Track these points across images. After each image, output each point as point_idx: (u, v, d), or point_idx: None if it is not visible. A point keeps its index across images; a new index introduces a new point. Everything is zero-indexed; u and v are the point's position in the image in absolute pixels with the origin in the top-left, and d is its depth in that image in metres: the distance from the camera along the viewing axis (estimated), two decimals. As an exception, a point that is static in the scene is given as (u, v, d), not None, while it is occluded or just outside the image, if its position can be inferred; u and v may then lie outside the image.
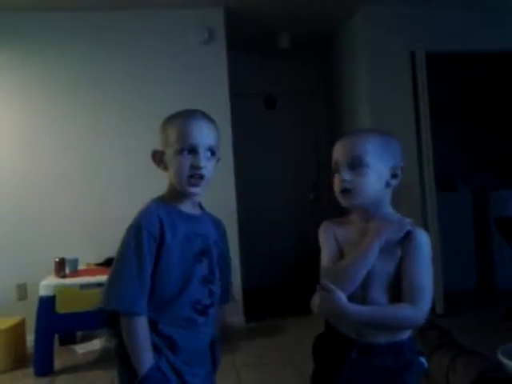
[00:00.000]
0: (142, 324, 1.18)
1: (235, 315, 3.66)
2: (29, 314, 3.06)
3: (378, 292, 1.15)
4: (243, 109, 4.46)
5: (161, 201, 1.30)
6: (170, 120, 1.31)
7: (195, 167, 1.24)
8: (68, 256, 3.16)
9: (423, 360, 1.23)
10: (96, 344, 3.32)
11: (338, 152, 1.23)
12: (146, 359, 1.16)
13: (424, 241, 1.17)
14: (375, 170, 1.20)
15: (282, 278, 4.70)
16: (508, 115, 4.96)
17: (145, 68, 3.72)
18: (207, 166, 1.26)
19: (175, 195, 1.29)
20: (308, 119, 5.06)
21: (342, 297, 1.12)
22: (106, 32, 3.71)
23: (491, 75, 4.88)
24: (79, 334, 3.47)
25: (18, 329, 3.15)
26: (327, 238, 1.26)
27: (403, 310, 1.12)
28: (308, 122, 5.06)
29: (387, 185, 1.23)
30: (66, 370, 2.96)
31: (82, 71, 3.68)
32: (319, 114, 5.06)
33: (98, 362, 3.06)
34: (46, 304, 2.89)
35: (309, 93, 5.08)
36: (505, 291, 4.06)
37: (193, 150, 1.25)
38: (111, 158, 3.65)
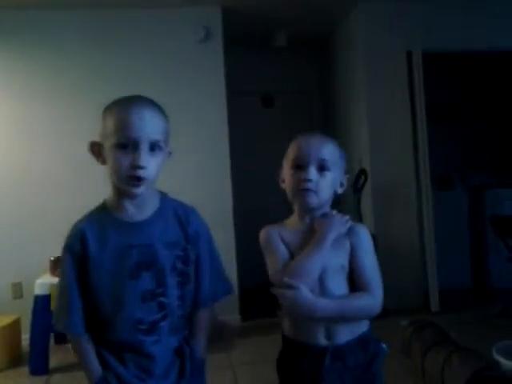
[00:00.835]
0: (78, 341, 1.15)
1: (231, 313, 3.66)
2: (24, 312, 3.06)
3: (335, 284, 1.19)
4: (240, 107, 4.45)
5: (100, 207, 1.21)
6: (108, 107, 1.16)
7: (134, 167, 1.07)
8: (64, 254, 3.15)
9: (384, 346, 1.27)
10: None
11: (305, 150, 1.23)
12: (91, 372, 1.14)
13: (366, 233, 1.25)
14: (333, 175, 1.24)
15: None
16: (504, 114, 4.98)
17: (142, 67, 3.71)
18: (149, 164, 1.09)
19: (116, 193, 1.17)
20: (305, 118, 5.07)
21: (307, 291, 1.14)
22: (102, 31, 3.70)
23: (487, 74, 4.89)
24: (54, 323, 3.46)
25: (14, 328, 3.15)
26: (275, 242, 1.24)
27: (364, 299, 1.18)
28: (305, 121, 5.06)
29: (335, 191, 1.27)
30: (62, 369, 2.96)
31: (80, 69, 3.66)
32: (316, 113, 5.06)
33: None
34: (42, 303, 2.89)
35: (306, 91, 5.08)
36: (499, 289, 4.07)
37: (132, 146, 1.08)
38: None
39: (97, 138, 1.17)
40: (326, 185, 1.22)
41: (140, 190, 1.11)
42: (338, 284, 1.20)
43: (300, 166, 1.22)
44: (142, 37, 3.73)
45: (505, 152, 4.98)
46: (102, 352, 1.15)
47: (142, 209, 1.17)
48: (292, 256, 1.21)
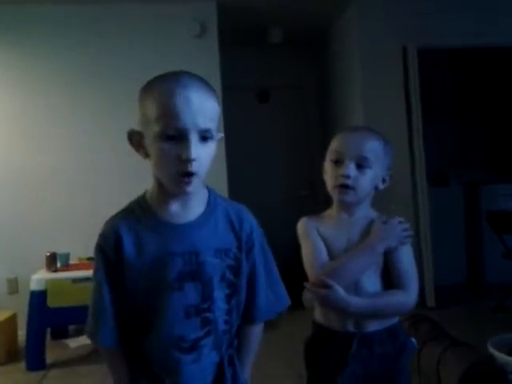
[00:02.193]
0: (108, 354, 1.03)
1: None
2: (20, 308, 3.05)
3: (370, 280, 1.20)
4: (236, 103, 4.44)
5: (137, 204, 1.02)
6: (147, 87, 0.96)
7: (184, 161, 0.90)
8: (59, 250, 3.15)
9: (413, 340, 1.28)
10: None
11: (345, 145, 1.22)
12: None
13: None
14: (374, 172, 1.23)
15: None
16: (499, 110, 5.00)
17: (136, 62, 3.69)
18: (201, 156, 0.92)
19: (159, 189, 0.99)
20: (300, 113, 5.06)
21: (342, 291, 1.15)
22: (95, 26, 3.69)
23: (482, 71, 4.90)
24: (71, 327, 3.47)
25: (10, 323, 3.14)
26: (311, 233, 1.25)
27: (397, 297, 1.19)
28: (300, 116, 5.06)
29: (376, 188, 1.27)
30: (58, 365, 2.96)
31: (76, 65, 3.65)
32: (311, 109, 5.06)
33: (90, 356, 3.05)
34: (38, 298, 2.88)
35: (301, 87, 5.08)
36: (494, 285, 4.10)
37: (179, 136, 0.91)
38: (103, 153, 3.62)
39: (130, 126, 1.00)
40: (365, 182, 1.22)
41: (191, 189, 0.94)
42: (373, 281, 1.21)
43: (339, 161, 1.22)
44: (138, 32, 3.72)
45: (500, 148, 5.00)
46: (134, 369, 1.02)
47: (188, 208, 0.99)
48: (328, 251, 1.22)
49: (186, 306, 0.96)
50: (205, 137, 0.93)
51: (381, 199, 4.17)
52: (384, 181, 1.28)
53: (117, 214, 1.02)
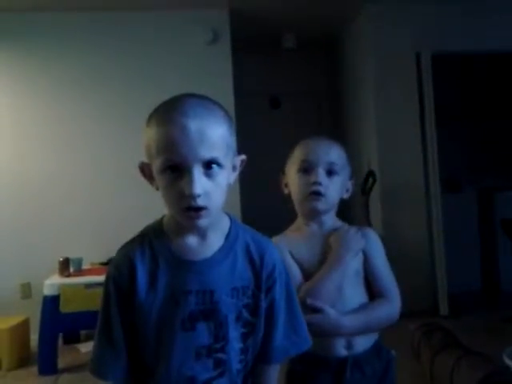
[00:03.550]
0: None
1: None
2: (33, 313, 3.08)
3: (352, 290, 1.18)
4: (248, 109, 4.45)
5: (152, 231, 0.94)
6: (150, 116, 0.90)
7: (187, 196, 0.83)
8: (72, 255, 3.17)
9: (393, 352, 1.26)
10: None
11: (314, 153, 1.21)
12: None
13: (377, 239, 1.24)
14: (341, 179, 1.22)
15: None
16: (514, 116, 4.94)
17: (149, 69, 3.72)
18: (208, 189, 0.85)
19: (176, 222, 0.91)
20: (313, 119, 5.05)
21: (333, 312, 1.12)
22: (110, 33, 3.73)
23: (497, 76, 4.86)
24: (83, 333, 3.48)
25: (22, 328, 3.16)
26: (285, 261, 1.13)
27: (384, 309, 1.17)
28: (312, 123, 5.04)
29: (341, 196, 1.25)
30: (70, 369, 2.97)
31: (89, 71, 3.69)
32: (324, 115, 5.05)
33: (101, 361, 3.06)
34: (50, 303, 2.90)
35: (313, 93, 5.07)
36: (510, 293, 4.04)
37: (181, 169, 0.83)
38: (116, 158, 3.64)
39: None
40: (335, 189, 1.21)
41: (202, 222, 0.87)
42: (356, 289, 1.19)
43: (308, 170, 1.20)
44: (151, 39, 3.75)
45: (515, 154, 4.93)
46: None
47: (205, 242, 0.92)
48: (303, 272, 1.18)
49: (197, 347, 0.90)
50: (210, 166, 0.85)
51: (394, 205, 4.11)
52: (347, 190, 1.26)
53: (131, 242, 0.94)
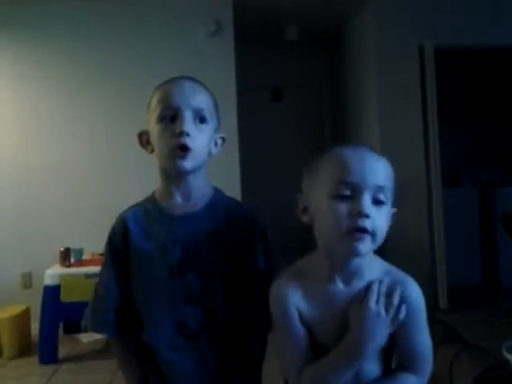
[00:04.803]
0: (113, 343, 1.10)
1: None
2: (33, 302, 3.08)
3: (371, 364, 0.91)
4: (250, 101, 4.44)
5: (149, 197, 1.10)
6: (154, 90, 1.07)
7: (177, 134, 0.97)
8: (73, 246, 3.17)
9: None
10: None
11: (357, 172, 0.86)
12: (127, 378, 1.09)
13: (417, 296, 0.92)
14: (388, 209, 0.90)
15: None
16: (516, 111, 4.93)
17: (151, 59, 3.70)
18: (195, 134, 0.99)
19: (164, 180, 1.06)
20: (314, 112, 5.05)
21: None
22: (110, 23, 3.70)
23: (499, 70, 4.84)
24: (83, 322, 3.49)
25: (23, 317, 3.18)
26: (290, 317, 0.90)
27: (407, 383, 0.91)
28: (314, 115, 5.04)
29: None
30: (70, 359, 2.99)
31: (89, 62, 3.67)
32: (326, 107, 5.04)
33: (102, 351, 3.08)
34: (51, 293, 2.91)
35: (316, 86, 5.06)
36: (509, 287, 4.05)
37: (174, 116, 0.99)
38: (117, 150, 3.64)
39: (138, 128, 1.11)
40: (383, 223, 0.88)
41: (187, 164, 0.99)
42: (374, 363, 0.91)
43: (346, 196, 0.85)
44: (152, 30, 3.72)
45: (517, 149, 4.93)
46: (143, 363, 1.06)
47: (190, 200, 1.04)
48: (312, 336, 0.91)
49: (186, 295, 1.00)
50: (198, 118, 1.01)
51: (395, 200, 4.09)
52: (389, 222, 0.91)
53: (126, 210, 1.10)
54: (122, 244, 1.04)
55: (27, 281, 3.53)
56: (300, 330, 0.91)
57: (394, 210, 0.94)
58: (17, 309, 3.17)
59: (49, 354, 2.92)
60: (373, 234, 0.85)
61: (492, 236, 4.40)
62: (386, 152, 3.44)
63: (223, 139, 1.11)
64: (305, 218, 0.93)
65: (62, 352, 3.01)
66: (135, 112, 3.61)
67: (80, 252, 3.20)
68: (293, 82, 4.93)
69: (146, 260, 1.02)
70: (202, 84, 1.07)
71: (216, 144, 1.09)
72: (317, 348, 0.92)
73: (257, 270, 1.03)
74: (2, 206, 3.56)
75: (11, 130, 3.61)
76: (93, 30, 3.68)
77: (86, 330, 3.39)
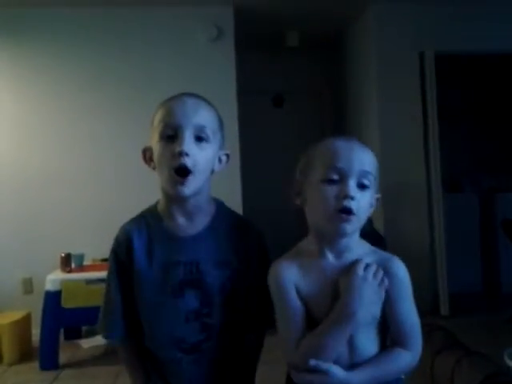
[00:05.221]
0: (121, 349, 1.14)
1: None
2: (34, 308, 3.08)
3: (365, 340, 0.99)
4: (251, 106, 4.45)
5: (148, 212, 1.10)
6: (157, 107, 1.07)
7: (176, 155, 0.96)
8: (74, 251, 3.17)
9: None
10: (101, 339, 3.32)
11: (345, 159, 0.96)
12: (133, 380, 1.13)
13: (403, 273, 1.00)
14: (371, 194, 0.99)
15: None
16: (516, 117, 4.93)
17: (152, 65, 3.72)
18: (195, 154, 0.97)
19: (165, 199, 1.06)
20: (315, 118, 5.06)
21: (340, 372, 0.95)
22: (111, 29, 3.72)
23: (499, 76, 4.85)
24: (84, 328, 3.49)
25: (24, 323, 3.17)
26: (287, 293, 0.99)
27: (401, 359, 1.00)
28: (315, 121, 5.05)
29: (367, 215, 1.01)
30: (71, 365, 2.98)
31: (86, 67, 3.68)
32: (326, 113, 5.05)
33: (102, 356, 3.08)
34: (52, 298, 2.91)
35: (317, 91, 5.07)
36: (510, 294, 4.03)
37: (175, 135, 0.98)
38: (118, 155, 3.65)
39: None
40: (366, 205, 0.98)
41: (187, 190, 0.99)
42: (370, 339, 0.99)
43: (335, 180, 0.96)
44: (154, 35, 3.74)
45: (517, 155, 4.93)
46: (147, 364, 1.11)
47: (193, 220, 1.06)
48: (310, 310, 0.99)
49: (186, 311, 1.03)
50: (200, 137, 0.99)
51: (395, 205, 4.11)
52: (371, 205, 1.01)
53: (130, 221, 1.10)
54: (126, 256, 1.06)
55: (28, 286, 3.53)
56: (297, 303, 0.99)
57: (378, 195, 1.03)
58: (17, 314, 3.17)
59: (49, 360, 2.91)
60: (356, 215, 0.95)
61: (493, 242, 4.39)
62: (386, 158, 3.47)
63: (227, 156, 1.10)
64: (297, 201, 1.04)
65: (63, 358, 3.00)
66: (137, 116, 3.67)
67: (81, 258, 3.20)
68: (293, 88, 4.94)
69: (148, 279, 1.04)
70: (206, 101, 1.05)
71: (220, 161, 1.09)
72: (313, 324, 0.99)
73: (256, 287, 1.06)
74: (3, 211, 3.56)
75: (11, 134, 3.62)
76: (93, 34, 3.70)
77: (86, 336, 3.40)
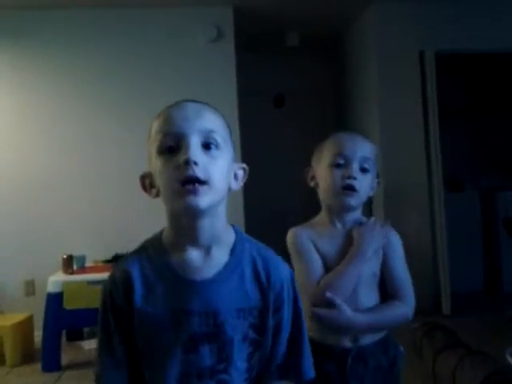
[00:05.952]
0: None
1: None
2: (36, 310, 3.09)
3: (366, 294, 1.18)
4: (252, 107, 4.45)
5: (151, 245, 0.88)
6: (152, 120, 0.89)
7: (181, 165, 0.78)
8: (75, 253, 3.18)
9: (401, 349, 1.26)
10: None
11: (348, 147, 1.20)
12: None
13: (398, 240, 1.24)
14: (371, 177, 1.22)
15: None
16: (517, 115, 4.93)
17: (152, 66, 3.73)
18: (205, 162, 0.79)
19: (174, 231, 0.86)
20: (316, 118, 5.05)
21: (348, 310, 1.13)
22: (111, 30, 3.73)
23: (500, 75, 4.84)
24: (86, 330, 3.49)
25: (26, 325, 3.18)
26: (308, 250, 1.20)
27: (399, 310, 1.18)
28: (316, 121, 5.04)
29: (368, 194, 1.25)
30: (73, 366, 2.98)
31: (85, 68, 3.69)
32: (327, 113, 5.05)
33: (104, 358, 3.07)
34: (54, 300, 2.91)
35: (317, 92, 5.07)
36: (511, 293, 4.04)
37: (177, 145, 0.80)
38: (119, 157, 3.65)
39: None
40: (367, 185, 1.21)
41: (201, 201, 0.78)
42: (370, 293, 1.19)
43: (341, 165, 1.19)
44: (154, 36, 3.75)
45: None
46: None
47: (209, 253, 0.85)
48: (325, 265, 1.18)
49: (199, 368, 0.83)
50: (208, 144, 0.81)
51: (397, 204, 4.11)
52: (372, 188, 1.25)
53: (129, 255, 0.89)
54: (124, 301, 0.84)
55: (30, 288, 3.53)
56: (316, 255, 1.19)
57: (378, 180, 1.27)
58: (20, 316, 3.17)
59: (52, 362, 2.91)
60: (358, 192, 1.18)
61: (494, 240, 4.39)
62: (387, 157, 3.47)
63: (245, 170, 0.92)
64: (312, 184, 1.27)
65: (65, 359, 3.00)
66: (138, 118, 3.67)
67: (83, 259, 3.20)
68: (294, 88, 4.94)
69: (153, 329, 0.83)
70: (211, 106, 0.88)
71: (236, 177, 0.89)
72: None
73: (284, 334, 0.89)
74: (5, 213, 3.57)
75: (13, 136, 3.62)
76: (93, 35, 3.71)
77: (88, 337, 3.40)
